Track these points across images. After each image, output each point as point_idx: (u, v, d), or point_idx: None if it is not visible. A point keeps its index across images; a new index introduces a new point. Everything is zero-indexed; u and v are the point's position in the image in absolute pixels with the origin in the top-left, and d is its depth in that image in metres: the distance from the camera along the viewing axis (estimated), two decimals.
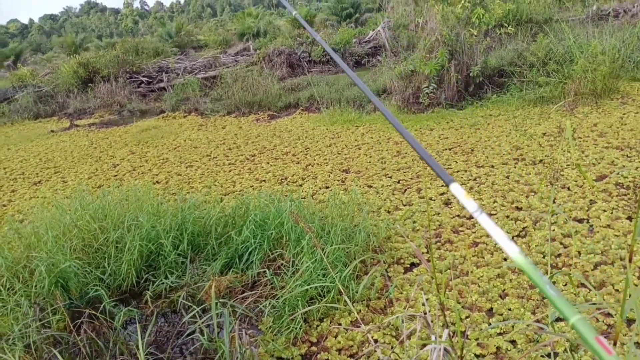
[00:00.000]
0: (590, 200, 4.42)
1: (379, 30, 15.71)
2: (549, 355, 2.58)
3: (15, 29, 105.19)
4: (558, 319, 2.76)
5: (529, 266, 0.71)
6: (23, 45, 42.77)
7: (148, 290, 3.64)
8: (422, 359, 2.38)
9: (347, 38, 16.63)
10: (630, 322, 2.81)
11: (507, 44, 10.16)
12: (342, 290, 2.08)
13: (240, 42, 24.92)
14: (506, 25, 10.54)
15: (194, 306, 3.14)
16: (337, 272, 3.34)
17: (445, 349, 1.40)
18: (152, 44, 21.76)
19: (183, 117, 11.57)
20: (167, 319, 3.52)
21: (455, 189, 0.82)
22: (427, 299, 3.22)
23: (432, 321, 1.55)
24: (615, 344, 1.09)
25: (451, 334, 1.75)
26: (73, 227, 3.98)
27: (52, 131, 11.81)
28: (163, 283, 3.67)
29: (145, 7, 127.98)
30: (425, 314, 1.77)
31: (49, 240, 3.77)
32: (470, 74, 8.67)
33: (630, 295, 1.14)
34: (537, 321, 2.87)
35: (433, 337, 1.51)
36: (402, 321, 3.03)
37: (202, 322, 2.80)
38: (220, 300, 3.28)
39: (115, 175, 7.20)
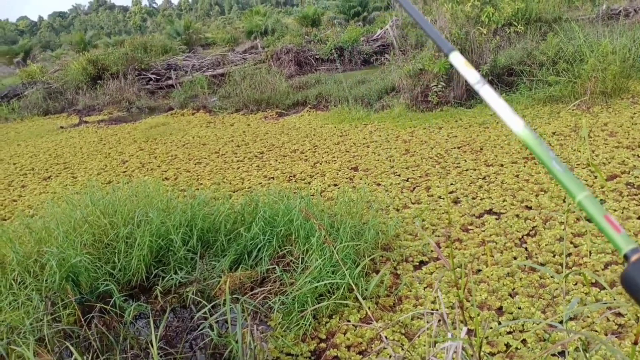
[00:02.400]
0: (601, 199, 4.39)
1: (387, 29, 15.67)
2: (561, 353, 2.57)
3: (25, 26, 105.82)
4: (571, 319, 2.75)
5: (535, 140, 0.67)
6: (32, 43, 43.01)
7: (158, 285, 3.66)
8: (436, 357, 2.38)
9: (355, 36, 16.62)
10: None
11: (517, 42, 10.10)
12: (353, 287, 2.08)
13: (248, 40, 24.92)
14: (515, 24, 10.49)
15: (204, 302, 3.15)
16: (346, 269, 3.34)
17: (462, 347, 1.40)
18: (161, 42, 21.77)
19: (191, 115, 11.61)
20: (176, 314, 3.53)
21: (455, 58, 0.76)
22: (438, 297, 3.21)
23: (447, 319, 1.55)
24: (636, 344, 1.09)
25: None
26: (83, 222, 4.00)
27: (62, 127, 11.89)
28: (172, 278, 3.68)
29: (154, 5, 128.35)
30: (437, 311, 1.77)
31: (60, 235, 3.79)
32: (480, 73, 8.62)
33: None
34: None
35: (449, 335, 1.51)
36: (411, 319, 3.03)
37: (214, 319, 2.81)
38: (232, 296, 3.29)
39: (125, 172, 7.23)
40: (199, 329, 3.12)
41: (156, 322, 3.30)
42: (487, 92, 0.72)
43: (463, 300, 1.30)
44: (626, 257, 0.59)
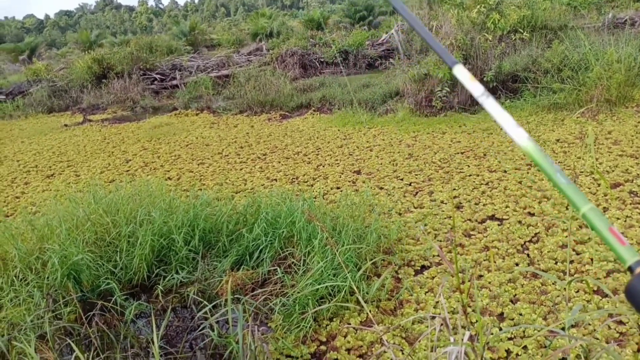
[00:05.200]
0: (604, 207, 4.38)
1: (392, 33, 15.69)
2: None
3: (31, 24, 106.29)
4: (572, 326, 2.75)
5: (539, 153, 0.67)
6: (38, 40, 43.10)
7: (159, 284, 3.66)
8: None
9: (360, 40, 16.64)
10: None
11: (522, 49, 10.10)
12: (355, 290, 2.07)
13: (254, 42, 24.98)
14: (521, 31, 10.49)
15: (205, 302, 3.15)
16: (348, 272, 3.34)
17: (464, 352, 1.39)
18: (166, 42, 21.86)
19: (195, 115, 11.63)
20: (176, 313, 3.53)
21: (460, 71, 0.76)
22: (440, 301, 3.21)
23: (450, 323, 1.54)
24: (638, 351, 1.08)
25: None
26: (86, 220, 4.01)
27: (66, 125, 11.91)
28: (174, 278, 3.69)
29: (160, 5, 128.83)
30: (439, 315, 1.77)
31: (62, 233, 3.80)
32: (484, 79, 8.63)
33: None
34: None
35: (452, 339, 1.51)
36: (412, 323, 3.03)
37: (215, 318, 2.81)
38: (233, 296, 3.29)
39: (128, 171, 7.24)
40: (199, 329, 3.13)
41: (157, 322, 3.30)
42: (491, 105, 0.72)
43: (466, 305, 1.29)
44: (630, 269, 0.58)
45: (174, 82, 15.38)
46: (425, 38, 0.81)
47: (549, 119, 7.44)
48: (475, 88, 0.73)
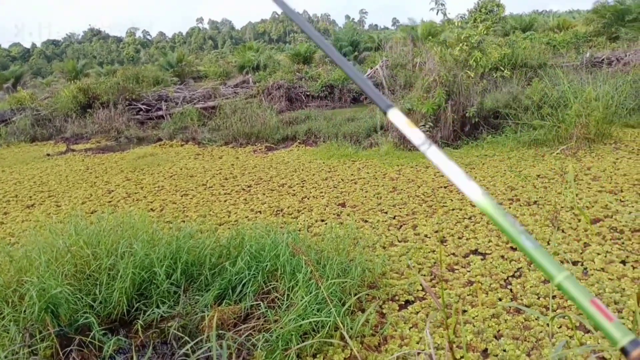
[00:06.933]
0: (584, 243, 4.43)
1: (377, 69, 15.98)
2: None
3: (17, 53, 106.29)
4: None
5: (497, 210, 0.58)
6: (23, 69, 43.04)
7: (138, 319, 3.58)
8: None
9: (345, 75, 16.89)
10: None
11: (503, 86, 10.36)
12: (340, 326, 2.06)
13: (240, 75, 25.20)
14: (502, 68, 10.77)
15: (186, 337, 3.09)
16: (333, 307, 3.31)
17: None
18: (153, 73, 21.97)
19: (180, 146, 11.61)
20: (156, 350, 3.45)
21: (395, 115, 0.69)
22: (424, 337, 3.18)
23: None
24: None
25: None
26: (66, 252, 3.93)
27: (48, 155, 11.80)
28: (154, 312, 3.61)
29: (148, 37, 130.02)
30: (424, 351, 1.76)
31: (41, 265, 3.72)
32: (467, 115, 8.80)
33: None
34: None
35: None
36: (397, 359, 2.99)
37: (198, 355, 2.76)
38: (216, 332, 3.23)
39: (110, 201, 7.17)
40: None
41: (136, 358, 3.22)
42: (434, 154, 0.63)
43: (452, 342, 1.29)
44: (624, 352, 0.49)
45: (160, 112, 15.39)
46: (358, 83, 0.75)
47: (529, 155, 7.57)
48: (414, 135, 0.65)
